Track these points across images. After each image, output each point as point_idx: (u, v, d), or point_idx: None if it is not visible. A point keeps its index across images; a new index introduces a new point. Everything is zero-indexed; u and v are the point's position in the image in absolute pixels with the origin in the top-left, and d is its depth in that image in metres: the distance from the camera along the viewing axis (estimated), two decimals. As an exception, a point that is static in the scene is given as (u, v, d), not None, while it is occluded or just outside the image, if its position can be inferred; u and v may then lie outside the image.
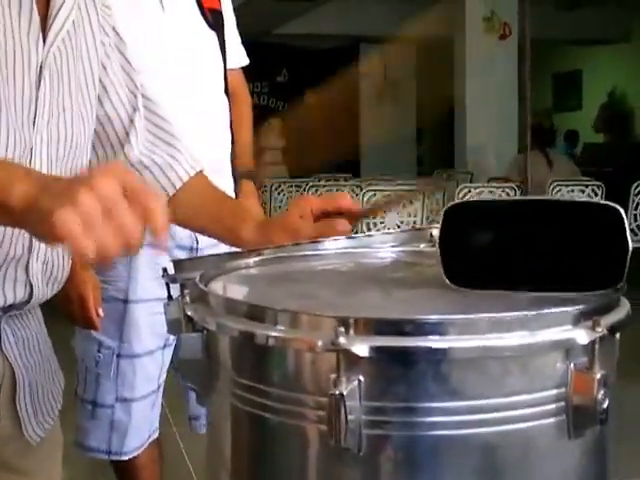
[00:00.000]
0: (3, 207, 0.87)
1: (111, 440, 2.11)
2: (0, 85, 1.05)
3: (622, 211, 0.81)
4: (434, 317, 0.72)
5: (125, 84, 1.30)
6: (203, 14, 2.14)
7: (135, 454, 2.13)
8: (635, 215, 6.36)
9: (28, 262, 1.12)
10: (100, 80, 1.26)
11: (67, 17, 1.14)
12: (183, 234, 2.04)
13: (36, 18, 1.10)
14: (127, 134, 1.30)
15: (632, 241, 0.80)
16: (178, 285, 0.97)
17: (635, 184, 6.38)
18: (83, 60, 1.20)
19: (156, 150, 1.34)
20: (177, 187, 1.34)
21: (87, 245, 0.79)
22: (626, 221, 0.81)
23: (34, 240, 1.10)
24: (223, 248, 1.80)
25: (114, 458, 2.14)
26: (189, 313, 0.86)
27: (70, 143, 1.16)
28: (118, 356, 2.08)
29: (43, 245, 1.12)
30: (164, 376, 2.17)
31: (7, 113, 1.06)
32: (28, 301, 1.15)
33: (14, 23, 1.07)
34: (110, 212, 0.80)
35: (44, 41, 1.11)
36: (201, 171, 1.39)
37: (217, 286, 0.95)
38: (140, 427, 2.13)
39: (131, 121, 1.30)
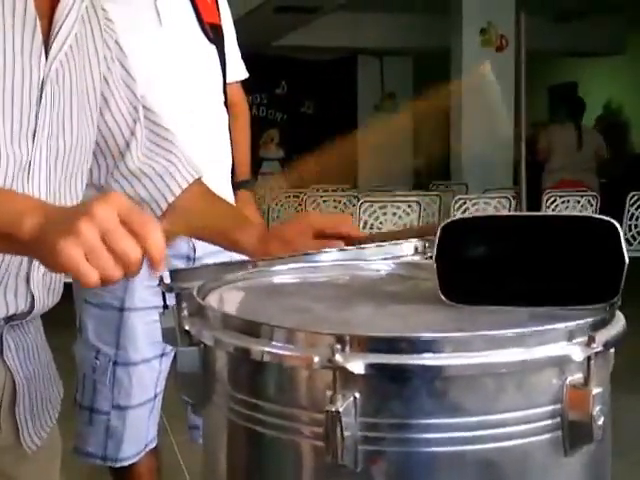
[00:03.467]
0: (15, 240, 0.90)
1: (107, 446, 2.12)
2: (0, 100, 1.05)
3: (618, 225, 0.81)
4: (430, 335, 0.72)
5: (126, 96, 1.31)
6: (203, 28, 2.15)
7: (131, 461, 2.14)
8: (630, 225, 6.37)
9: (29, 273, 1.13)
10: (101, 92, 1.26)
11: (70, 32, 1.14)
12: (181, 243, 2.04)
13: (39, 33, 1.10)
14: (127, 144, 1.31)
15: (627, 251, 0.80)
16: (174, 294, 0.98)
17: (630, 195, 6.40)
18: (85, 74, 1.21)
19: (156, 158, 1.35)
20: (177, 194, 1.35)
21: (90, 273, 0.83)
22: (622, 235, 0.81)
23: None
24: (221, 257, 1.81)
25: (110, 464, 2.15)
26: (186, 327, 0.87)
27: (69, 156, 1.17)
28: (114, 363, 2.09)
29: None
30: (162, 385, 2.18)
31: (7, 128, 1.06)
32: (30, 311, 1.15)
33: (16, 38, 1.08)
34: (109, 239, 0.84)
35: (46, 56, 1.11)
36: (200, 178, 1.40)
37: (213, 299, 0.95)
38: (136, 434, 2.13)
39: (132, 132, 1.31)
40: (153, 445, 2.19)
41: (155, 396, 2.16)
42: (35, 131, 1.10)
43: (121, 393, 2.10)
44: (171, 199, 1.35)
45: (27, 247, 0.90)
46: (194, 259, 2.10)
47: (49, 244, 0.84)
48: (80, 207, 0.88)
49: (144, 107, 1.35)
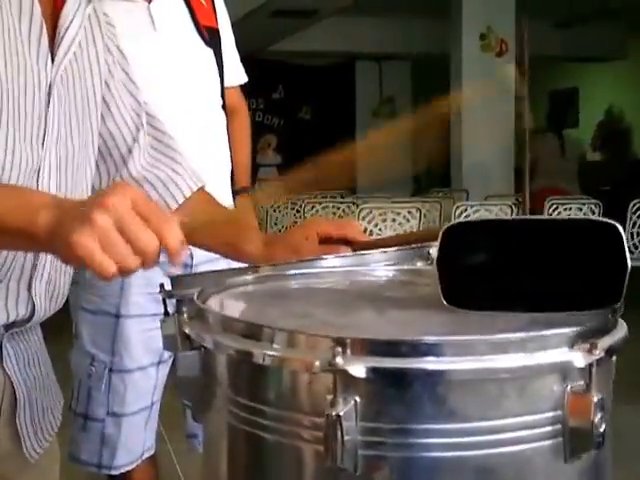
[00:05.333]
0: (31, 235, 0.89)
1: (102, 454, 2.10)
2: (10, 105, 1.06)
3: (621, 228, 0.80)
4: (430, 338, 0.72)
5: (128, 102, 1.31)
6: (199, 32, 2.15)
7: (126, 469, 2.13)
8: (632, 233, 6.36)
9: (31, 280, 1.12)
10: (103, 98, 1.26)
11: (74, 37, 1.15)
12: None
13: (45, 37, 1.11)
14: (130, 151, 1.31)
15: (630, 259, 0.80)
16: (174, 301, 0.97)
17: (633, 202, 6.38)
18: (88, 79, 1.21)
19: (159, 166, 1.35)
20: (180, 202, 1.35)
21: (107, 264, 0.82)
22: (625, 238, 0.81)
23: (38, 259, 1.12)
24: (218, 264, 1.80)
25: (105, 472, 2.14)
26: (186, 330, 0.86)
27: (75, 162, 1.17)
28: (110, 370, 2.08)
29: (47, 264, 1.14)
30: (159, 393, 2.16)
31: (17, 133, 1.07)
32: (30, 319, 1.15)
33: (24, 43, 1.08)
34: (125, 230, 0.83)
35: (52, 60, 1.12)
36: (203, 187, 1.40)
37: (214, 303, 0.95)
38: (131, 443, 2.12)
39: (134, 139, 1.31)
40: (150, 453, 2.18)
41: (152, 404, 2.15)
42: (44, 135, 1.11)
43: (116, 400, 2.09)
44: (174, 207, 1.35)
45: (43, 243, 0.89)
46: (192, 266, 2.10)
47: (64, 237, 0.83)
48: (93, 198, 0.87)
49: (148, 114, 1.35)
